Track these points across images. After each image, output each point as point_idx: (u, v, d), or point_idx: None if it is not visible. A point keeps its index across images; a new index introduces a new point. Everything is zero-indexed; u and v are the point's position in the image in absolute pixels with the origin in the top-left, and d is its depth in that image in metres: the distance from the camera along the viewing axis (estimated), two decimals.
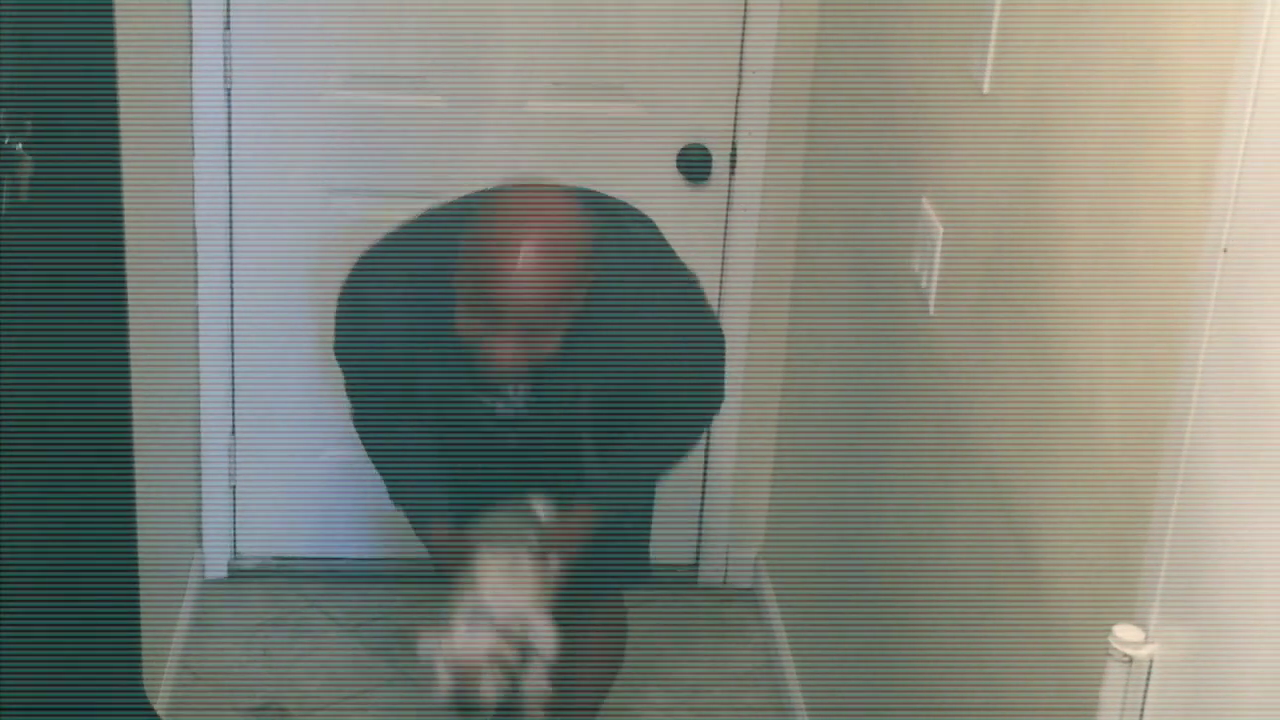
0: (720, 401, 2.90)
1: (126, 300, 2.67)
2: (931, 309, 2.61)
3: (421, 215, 2.76)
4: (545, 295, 2.46)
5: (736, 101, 3.59)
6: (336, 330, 2.76)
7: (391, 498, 2.87)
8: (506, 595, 2.65)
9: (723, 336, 2.86)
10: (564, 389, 2.70)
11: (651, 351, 2.68)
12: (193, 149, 3.55)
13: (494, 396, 2.73)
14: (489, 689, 2.61)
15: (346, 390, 2.84)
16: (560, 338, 2.53)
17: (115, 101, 2.52)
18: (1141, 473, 1.77)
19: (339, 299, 2.73)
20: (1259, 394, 1.49)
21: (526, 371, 2.57)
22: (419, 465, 2.81)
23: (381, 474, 2.87)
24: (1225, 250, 1.55)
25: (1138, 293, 1.86)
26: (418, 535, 2.87)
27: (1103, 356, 1.96)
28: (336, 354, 2.80)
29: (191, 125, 3.53)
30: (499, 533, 2.76)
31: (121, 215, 2.61)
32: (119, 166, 2.56)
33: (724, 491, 3.90)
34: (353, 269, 2.72)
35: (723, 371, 2.87)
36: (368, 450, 2.88)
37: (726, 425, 3.81)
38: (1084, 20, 2.04)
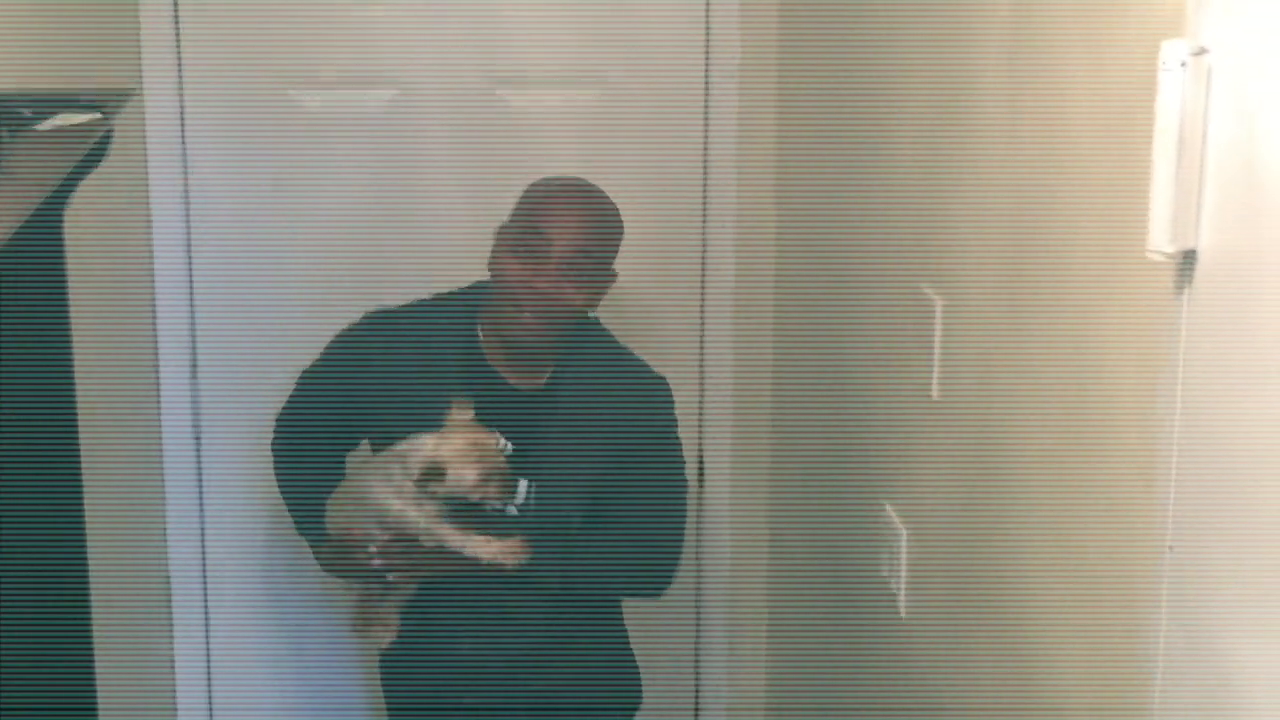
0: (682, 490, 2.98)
1: (95, 683, 2.64)
2: (902, 612, 2.61)
3: (436, 295, 2.96)
4: (592, 234, 2.81)
5: (700, 414, 3.65)
6: (323, 355, 2.94)
7: (297, 528, 2.97)
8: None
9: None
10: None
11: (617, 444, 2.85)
12: (165, 536, 3.61)
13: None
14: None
15: (283, 411, 2.99)
16: (585, 299, 2.81)
17: (81, 511, 2.53)
18: None
19: (336, 337, 2.93)
20: (1221, 690, 1.49)
21: (551, 318, 2.78)
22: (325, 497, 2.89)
23: (288, 502, 2.98)
24: (1170, 548, 1.57)
25: (1097, 592, 1.87)
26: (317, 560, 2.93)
27: (1072, 657, 1.96)
28: (304, 373, 2.97)
29: (164, 505, 3.58)
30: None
31: (90, 609, 2.59)
32: (87, 575, 2.57)
33: None
34: (364, 317, 2.92)
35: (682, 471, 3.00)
36: (280, 479, 3.00)
37: None
38: (1020, 327, 2.09)
